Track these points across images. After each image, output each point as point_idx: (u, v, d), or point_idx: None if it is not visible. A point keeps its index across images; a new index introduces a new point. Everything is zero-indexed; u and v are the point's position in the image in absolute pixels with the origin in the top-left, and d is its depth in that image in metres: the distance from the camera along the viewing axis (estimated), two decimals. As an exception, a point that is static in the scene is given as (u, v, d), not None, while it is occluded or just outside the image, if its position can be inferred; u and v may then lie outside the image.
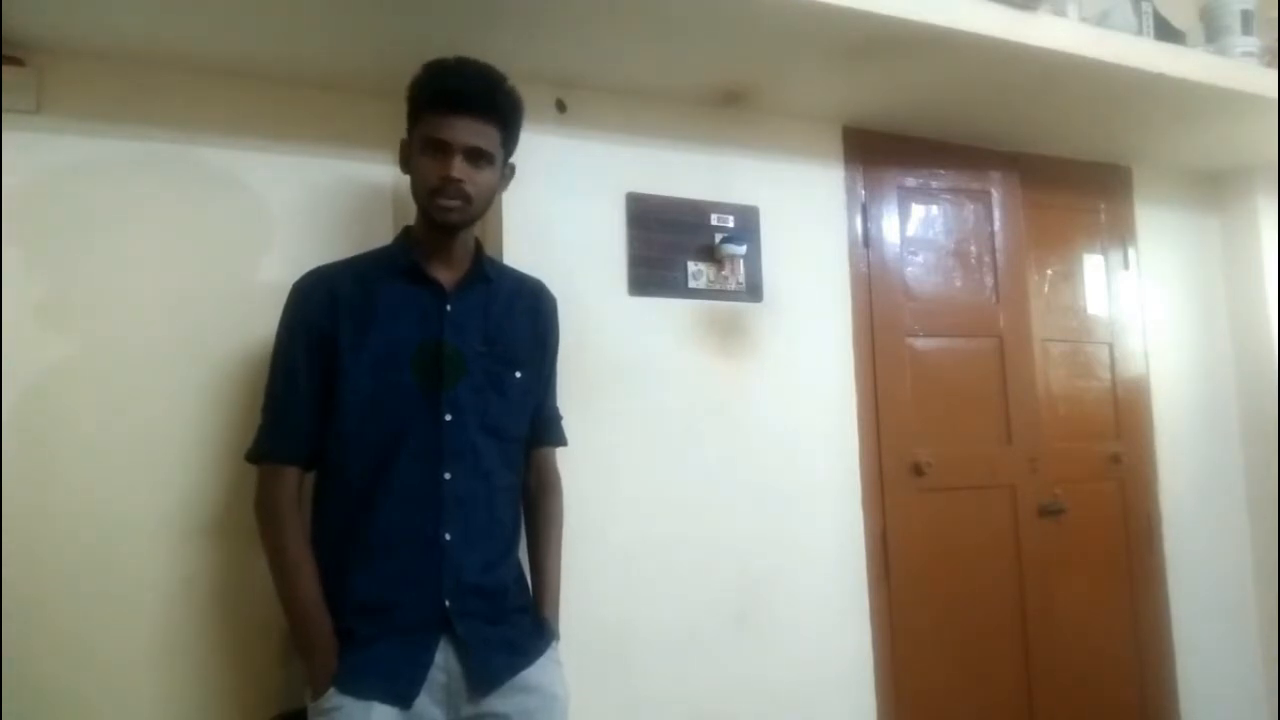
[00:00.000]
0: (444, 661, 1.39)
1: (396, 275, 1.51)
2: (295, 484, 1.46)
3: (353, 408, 1.44)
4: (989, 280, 2.50)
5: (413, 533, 1.42)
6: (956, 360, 2.43)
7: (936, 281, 2.44)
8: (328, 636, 1.37)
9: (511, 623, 1.49)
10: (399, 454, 1.43)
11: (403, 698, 1.35)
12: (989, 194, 2.52)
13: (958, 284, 2.46)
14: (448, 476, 1.44)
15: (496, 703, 1.40)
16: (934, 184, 2.47)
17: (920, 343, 2.38)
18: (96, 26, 1.67)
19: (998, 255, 2.50)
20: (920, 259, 2.42)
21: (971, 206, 2.51)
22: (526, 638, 1.50)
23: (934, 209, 2.47)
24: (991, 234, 2.51)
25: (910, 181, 2.43)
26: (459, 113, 1.44)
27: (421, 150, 1.46)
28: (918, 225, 2.44)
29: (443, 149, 1.44)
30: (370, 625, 1.38)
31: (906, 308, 2.38)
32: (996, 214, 2.52)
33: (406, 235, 1.58)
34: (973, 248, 2.49)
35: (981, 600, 2.37)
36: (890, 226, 2.39)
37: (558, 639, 1.55)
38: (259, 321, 1.85)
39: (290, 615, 1.40)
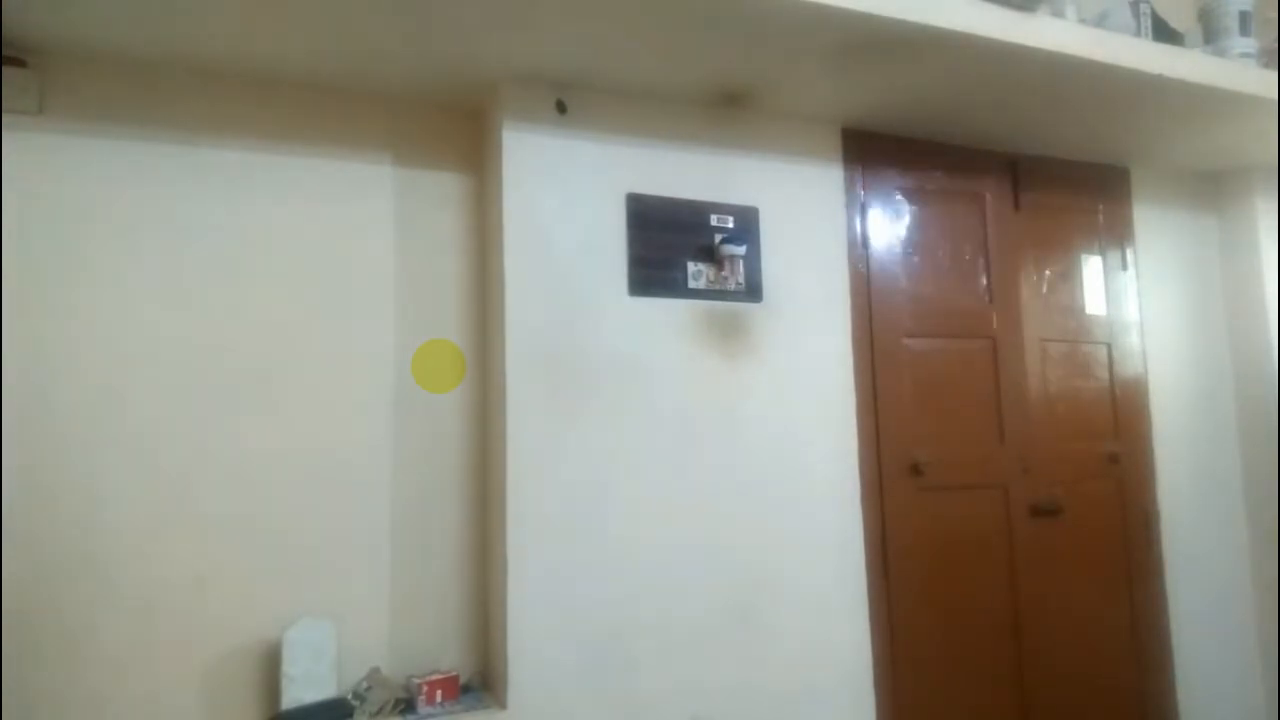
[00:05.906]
0: None
1: None
2: None
3: None
4: (983, 282, 2.51)
5: None
6: (952, 361, 2.44)
7: (934, 282, 2.45)
8: None
9: None
10: None
11: None
12: (984, 196, 2.53)
13: (954, 285, 2.47)
14: None
15: None
16: (932, 185, 2.47)
17: (918, 343, 2.39)
18: (99, 28, 1.68)
19: (991, 257, 2.51)
20: (918, 260, 2.43)
21: (967, 208, 2.51)
22: None
23: (932, 210, 2.47)
24: (985, 236, 2.52)
25: (909, 182, 2.44)
26: None
27: None
28: (916, 226, 2.45)
29: None
30: None
31: (905, 309, 2.38)
32: (990, 215, 2.53)
33: None
34: (968, 249, 2.50)
35: (981, 599, 2.38)
36: (889, 227, 2.40)
37: None
38: (261, 321, 1.87)
39: None
